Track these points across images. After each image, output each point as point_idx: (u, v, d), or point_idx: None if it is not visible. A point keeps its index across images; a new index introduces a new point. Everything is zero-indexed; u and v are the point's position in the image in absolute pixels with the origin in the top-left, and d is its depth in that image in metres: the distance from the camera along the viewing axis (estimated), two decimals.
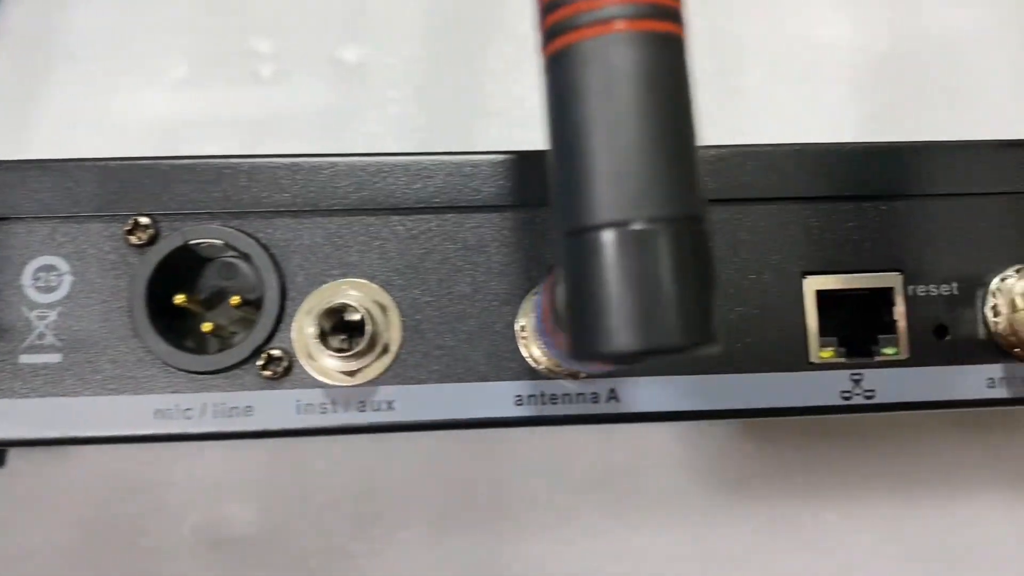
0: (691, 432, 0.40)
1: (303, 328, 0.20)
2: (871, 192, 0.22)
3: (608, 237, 0.14)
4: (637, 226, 0.14)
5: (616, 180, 0.14)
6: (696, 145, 0.14)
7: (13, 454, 0.37)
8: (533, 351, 0.21)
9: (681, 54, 0.14)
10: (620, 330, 0.13)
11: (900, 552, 0.40)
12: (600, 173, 0.14)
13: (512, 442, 0.42)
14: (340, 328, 0.21)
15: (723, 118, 0.54)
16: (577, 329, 0.14)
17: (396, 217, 0.21)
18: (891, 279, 0.22)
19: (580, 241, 0.14)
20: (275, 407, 0.21)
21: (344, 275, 0.21)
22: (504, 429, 0.22)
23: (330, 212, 0.21)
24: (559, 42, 0.14)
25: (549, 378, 0.21)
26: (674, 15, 0.14)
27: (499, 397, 0.21)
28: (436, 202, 0.21)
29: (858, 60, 0.55)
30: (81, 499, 0.41)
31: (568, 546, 0.41)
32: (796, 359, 0.21)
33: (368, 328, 0.20)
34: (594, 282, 0.14)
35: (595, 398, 0.21)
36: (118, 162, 0.22)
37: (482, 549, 0.41)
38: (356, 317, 0.20)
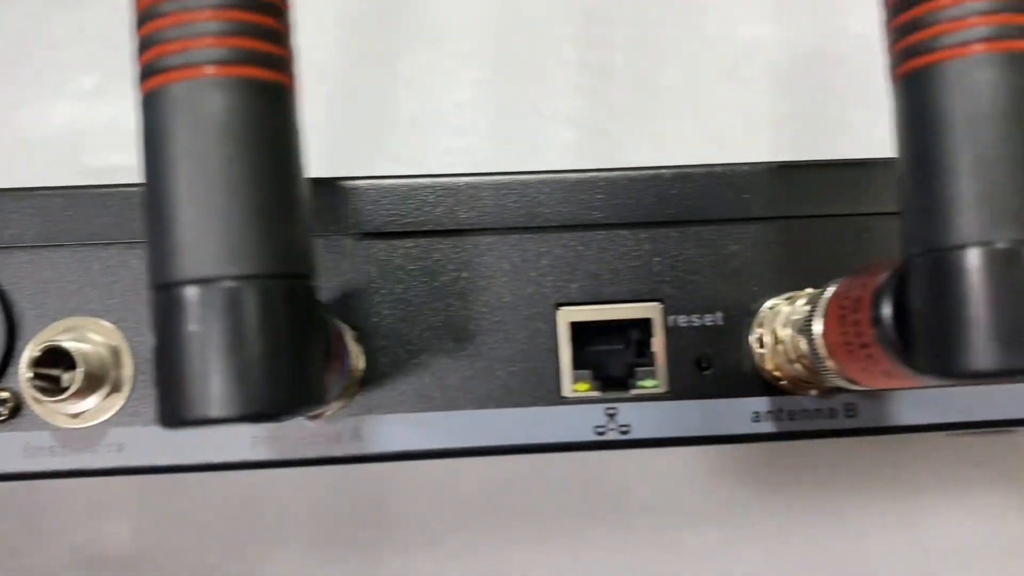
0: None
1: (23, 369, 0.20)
2: (630, 220, 0.21)
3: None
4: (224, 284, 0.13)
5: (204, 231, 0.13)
6: (296, 196, 0.14)
7: None
8: None
9: (280, 102, 0.14)
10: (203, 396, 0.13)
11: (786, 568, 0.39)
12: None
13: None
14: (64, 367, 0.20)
15: (643, 118, 0.54)
16: (162, 393, 0.14)
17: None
18: (650, 309, 0.21)
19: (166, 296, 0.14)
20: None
21: (75, 312, 0.20)
22: None
23: (68, 245, 0.21)
24: (152, 82, 0.14)
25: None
26: (277, 63, 0.14)
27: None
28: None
29: (780, 59, 0.55)
30: None
31: (446, 565, 0.41)
32: (548, 393, 0.20)
33: (81, 368, 0.19)
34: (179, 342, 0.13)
35: (348, 437, 0.21)
36: None
37: (360, 569, 0.41)
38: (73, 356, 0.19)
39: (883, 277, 0.15)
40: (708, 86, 0.55)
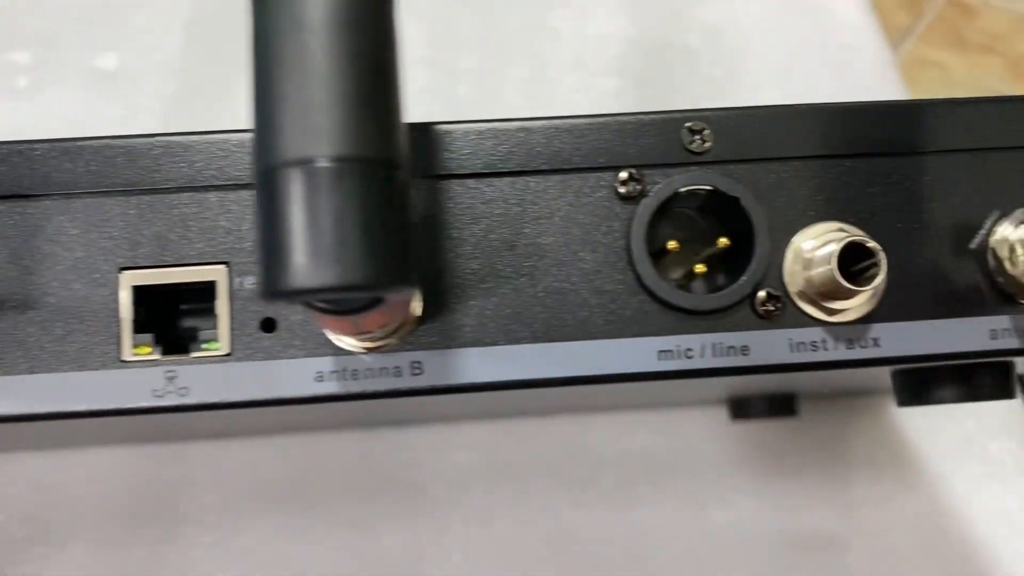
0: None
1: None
2: (196, 183, 0.21)
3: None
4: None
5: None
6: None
7: None
8: None
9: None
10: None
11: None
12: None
13: (191, 452, 0.42)
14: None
15: (490, 108, 0.54)
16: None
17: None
18: (216, 272, 0.21)
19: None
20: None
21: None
22: None
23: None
24: None
25: None
26: None
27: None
28: None
29: (629, 50, 0.55)
30: None
31: (233, 555, 0.41)
32: (107, 357, 0.21)
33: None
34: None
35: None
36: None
37: (145, 561, 0.40)
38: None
39: None
40: (557, 77, 0.56)
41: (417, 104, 0.51)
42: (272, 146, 0.14)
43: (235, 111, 0.56)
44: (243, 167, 0.21)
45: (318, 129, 0.14)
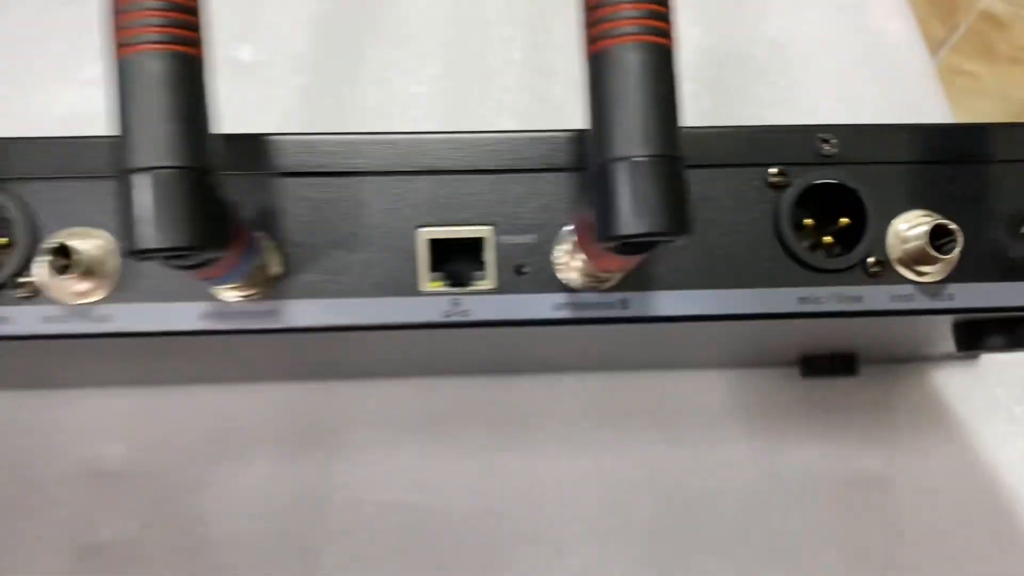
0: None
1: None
2: (477, 167, 0.30)
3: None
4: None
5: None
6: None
7: None
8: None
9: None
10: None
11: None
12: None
13: (344, 391, 0.50)
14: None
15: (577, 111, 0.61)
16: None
17: None
18: (485, 231, 0.29)
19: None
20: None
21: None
22: None
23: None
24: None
25: None
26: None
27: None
28: None
29: (702, 59, 0.63)
30: None
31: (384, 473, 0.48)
32: (408, 287, 0.29)
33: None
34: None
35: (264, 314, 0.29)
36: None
37: (314, 483, 0.48)
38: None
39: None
40: None
41: (516, 102, 0.59)
42: (605, 145, 0.22)
43: (354, 101, 0.63)
44: (531, 159, 0.29)
45: (642, 133, 0.22)
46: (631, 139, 0.21)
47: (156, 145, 0.21)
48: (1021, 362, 0.51)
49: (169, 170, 0.21)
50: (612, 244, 0.22)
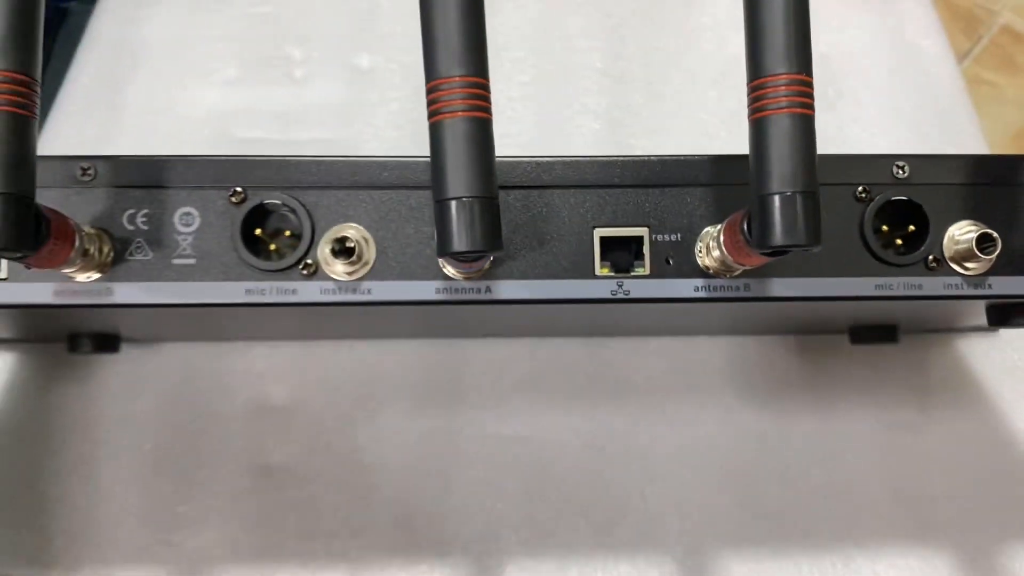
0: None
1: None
2: (634, 182, 0.39)
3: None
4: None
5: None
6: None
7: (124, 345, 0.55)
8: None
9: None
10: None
11: None
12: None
13: (470, 347, 0.59)
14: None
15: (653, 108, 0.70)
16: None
17: None
18: (642, 231, 0.39)
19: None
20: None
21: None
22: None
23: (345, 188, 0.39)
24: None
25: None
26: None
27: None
28: None
29: None
30: (165, 376, 0.58)
31: (500, 422, 0.58)
32: (586, 271, 0.39)
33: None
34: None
35: (481, 292, 0.39)
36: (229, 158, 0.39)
37: (447, 422, 0.57)
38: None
39: (744, 212, 0.33)
40: (702, 90, 0.72)
41: (598, 104, 0.68)
42: (764, 183, 0.31)
43: None
44: (677, 177, 0.39)
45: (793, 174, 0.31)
46: (784, 180, 0.31)
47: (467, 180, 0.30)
48: None
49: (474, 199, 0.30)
50: (766, 250, 0.32)
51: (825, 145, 0.65)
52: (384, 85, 0.71)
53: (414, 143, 0.69)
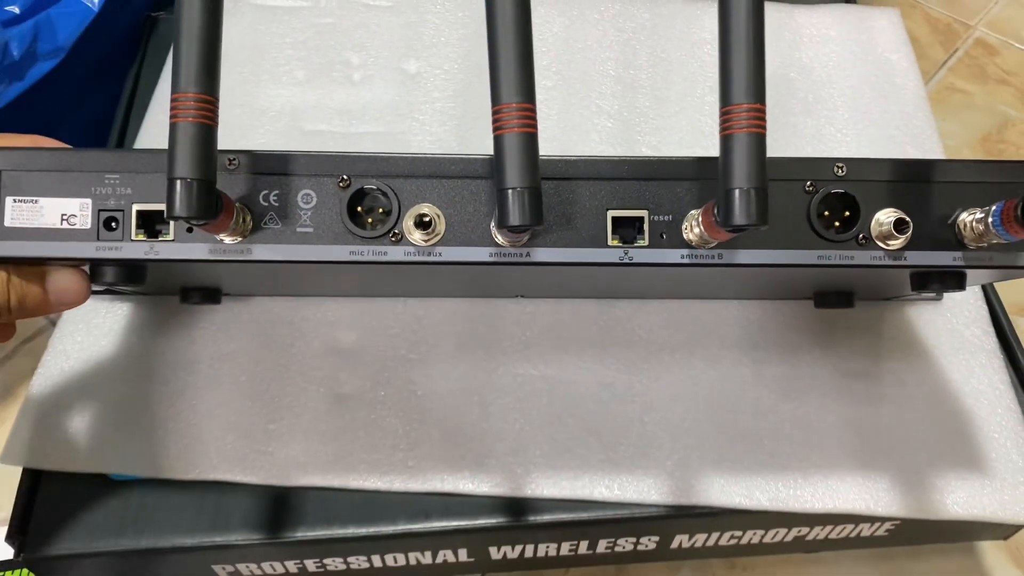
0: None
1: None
2: (637, 176, 0.52)
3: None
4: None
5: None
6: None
7: (224, 298, 0.68)
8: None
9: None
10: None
11: None
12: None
13: (504, 305, 0.72)
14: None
15: (659, 110, 0.82)
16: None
17: None
18: (643, 213, 0.52)
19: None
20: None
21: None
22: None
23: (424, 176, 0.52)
24: None
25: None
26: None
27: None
28: None
29: None
30: (256, 323, 0.71)
31: (527, 364, 0.71)
32: (601, 242, 0.51)
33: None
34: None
35: (523, 256, 0.52)
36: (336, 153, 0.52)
37: (484, 362, 0.69)
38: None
39: (715, 200, 0.46)
40: (701, 95, 0.85)
41: (611, 106, 0.81)
42: (729, 179, 0.44)
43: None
44: (669, 172, 0.52)
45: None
46: (742, 179, 0.43)
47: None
48: (970, 300, 0.74)
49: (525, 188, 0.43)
50: (730, 228, 0.44)
51: (803, 143, 0.78)
52: (429, 87, 0.83)
53: (455, 136, 0.81)
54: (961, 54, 1.16)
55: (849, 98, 0.80)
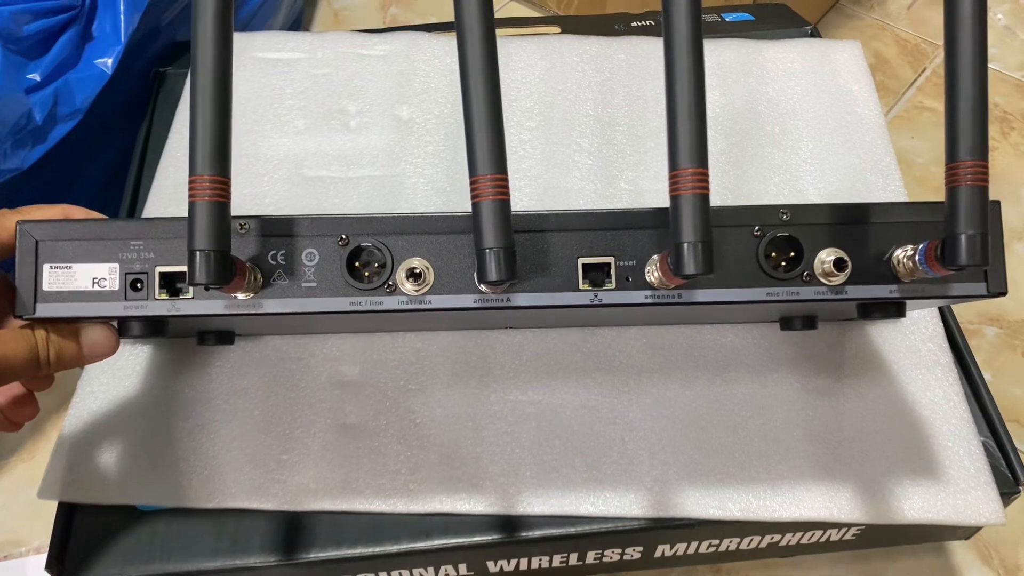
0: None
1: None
2: (604, 226, 0.58)
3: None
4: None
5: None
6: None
7: (237, 339, 0.73)
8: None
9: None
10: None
11: None
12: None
13: (494, 336, 0.78)
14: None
15: (639, 146, 0.88)
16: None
17: None
18: (610, 259, 0.57)
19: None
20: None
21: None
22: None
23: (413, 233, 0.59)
24: None
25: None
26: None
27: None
28: None
29: (722, 112, 0.90)
30: (267, 361, 0.77)
31: (519, 391, 0.76)
32: (573, 286, 0.56)
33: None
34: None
35: (504, 301, 0.58)
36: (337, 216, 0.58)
37: (477, 390, 0.71)
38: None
39: (668, 251, 0.52)
40: None
41: (591, 144, 0.87)
42: (678, 233, 0.50)
43: None
44: (633, 223, 0.58)
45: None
46: (688, 233, 0.49)
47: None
48: (927, 318, 0.79)
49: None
50: (680, 276, 0.50)
51: (771, 173, 0.84)
52: (421, 131, 0.88)
53: (446, 176, 0.87)
54: (929, 73, 1.20)
55: (813, 128, 0.84)
